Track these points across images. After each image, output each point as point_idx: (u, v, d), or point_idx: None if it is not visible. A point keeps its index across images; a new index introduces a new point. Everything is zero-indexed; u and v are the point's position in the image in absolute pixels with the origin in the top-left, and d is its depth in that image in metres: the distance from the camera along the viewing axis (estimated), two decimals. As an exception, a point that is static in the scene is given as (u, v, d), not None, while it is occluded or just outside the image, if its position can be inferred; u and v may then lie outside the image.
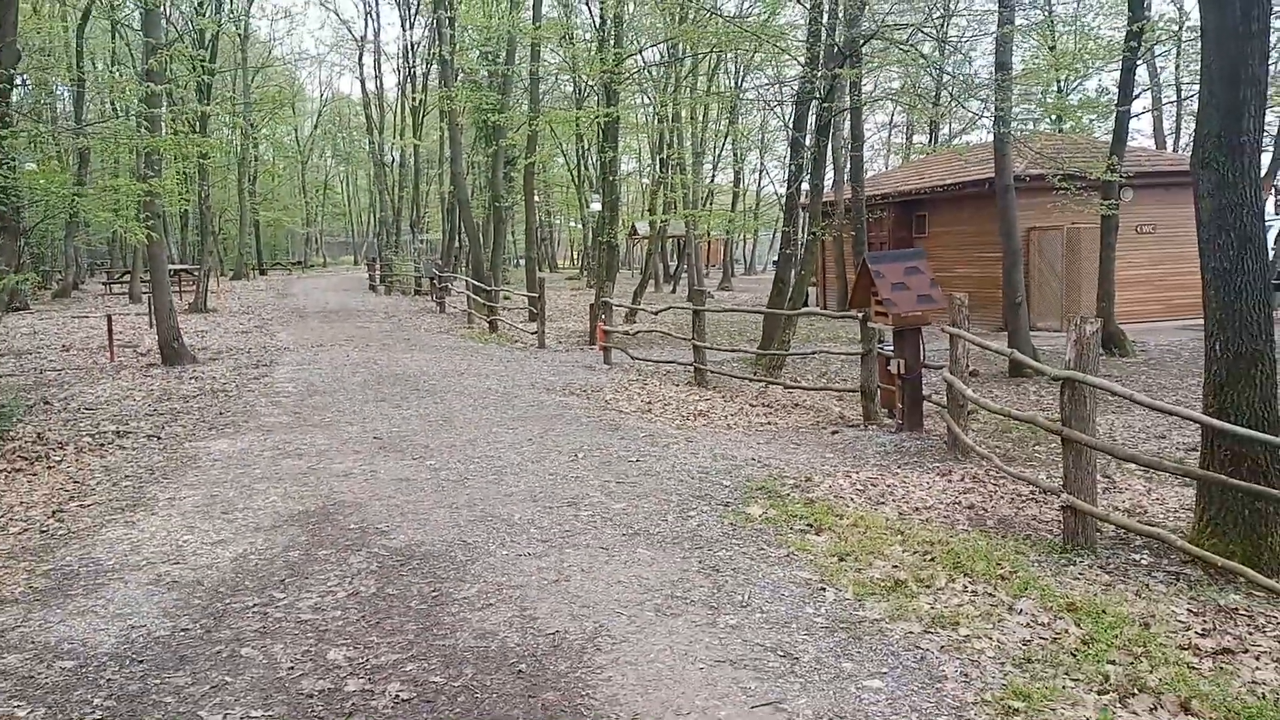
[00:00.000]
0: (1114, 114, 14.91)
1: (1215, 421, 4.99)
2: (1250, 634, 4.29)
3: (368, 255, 46.01)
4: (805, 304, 25.05)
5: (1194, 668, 3.86)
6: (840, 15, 13.51)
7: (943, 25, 23.85)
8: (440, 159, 35.55)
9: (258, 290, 32.52)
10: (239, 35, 35.36)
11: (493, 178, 25.39)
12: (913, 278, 8.95)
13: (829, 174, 26.21)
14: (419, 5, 32.93)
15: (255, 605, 4.60)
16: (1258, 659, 4.02)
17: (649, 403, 10.66)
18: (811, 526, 5.68)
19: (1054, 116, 20.47)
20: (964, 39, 21.85)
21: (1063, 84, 25.54)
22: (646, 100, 29.43)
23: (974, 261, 19.53)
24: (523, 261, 32.76)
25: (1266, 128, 23.31)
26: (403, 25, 33.89)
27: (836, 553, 5.18)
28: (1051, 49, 23.58)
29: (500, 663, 3.92)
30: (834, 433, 9.04)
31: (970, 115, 26.23)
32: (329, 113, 55.65)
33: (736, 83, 32.91)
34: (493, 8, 26.06)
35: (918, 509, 6.27)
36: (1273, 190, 23.20)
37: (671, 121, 28.02)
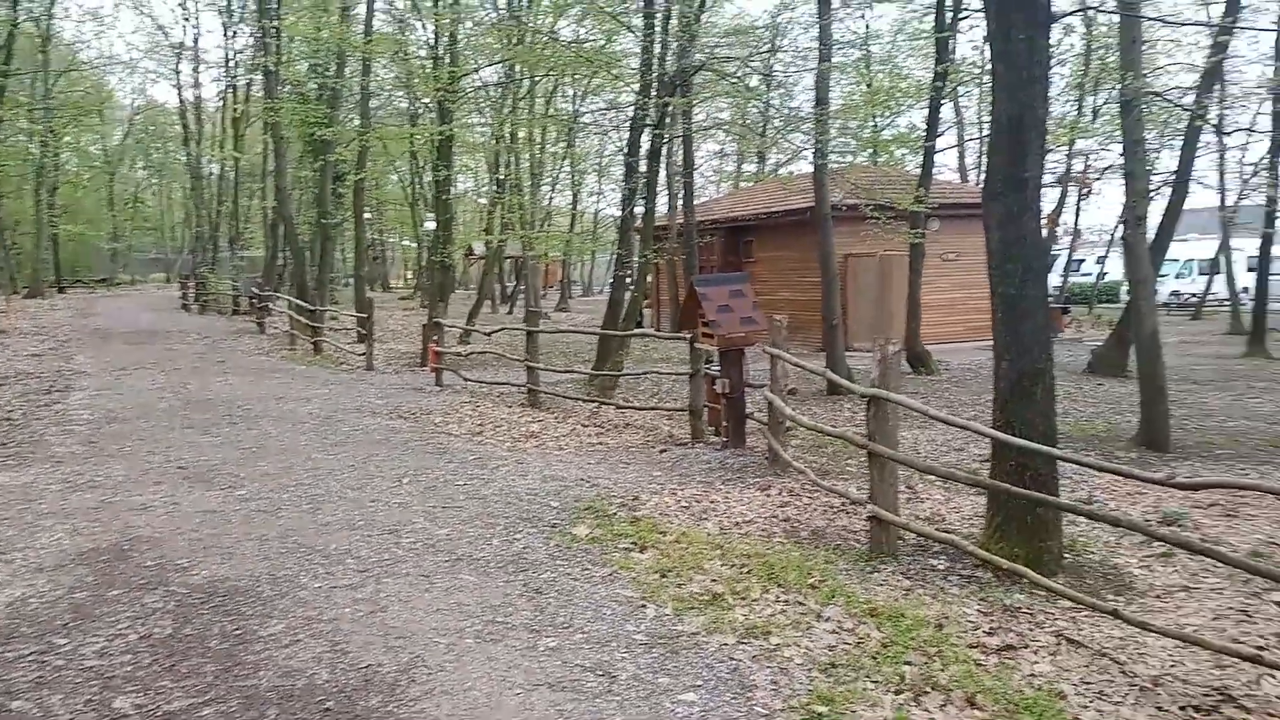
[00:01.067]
0: (922, 149, 15.99)
1: (999, 434, 5.41)
2: (1031, 630, 4.65)
3: (181, 272, 43.26)
4: (640, 325, 25.44)
5: (981, 664, 4.15)
6: (671, 46, 13.88)
7: (769, 60, 24.98)
8: (264, 173, 34.00)
9: (55, 310, 29.95)
10: (39, 36, 32.68)
11: (320, 193, 24.46)
12: (737, 300, 9.26)
13: (663, 198, 26.87)
14: (243, 13, 31.48)
15: (32, 654, 4.20)
16: (1036, 653, 4.36)
17: (480, 425, 10.52)
18: (636, 545, 5.74)
19: (870, 150, 21.79)
20: (788, 74, 22.91)
21: (878, 120, 27.24)
22: (484, 120, 29.23)
23: (796, 285, 20.42)
24: (353, 281, 31.68)
25: (1052, 167, 25.55)
26: (225, 33, 32.27)
27: (659, 569, 5.26)
28: (868, 87, 25.11)
29: (307, 701, 3.75)
30: (663, 451, 9.20)
31: (793, 147, 27.46)
32: (142, 121, 52.15)
33: (574, 106, 33.22)
34: (322, 19, 25.23)
35: (738, 523, 6.46)
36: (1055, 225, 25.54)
37: (509, 142, 27.93)
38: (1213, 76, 13.93)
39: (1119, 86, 9.17)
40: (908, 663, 4.07)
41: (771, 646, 4.25)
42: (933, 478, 7.80)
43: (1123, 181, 9.83)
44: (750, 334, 9.04)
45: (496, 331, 14.69)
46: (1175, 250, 35.60)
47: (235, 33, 31.55)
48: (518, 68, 22.95)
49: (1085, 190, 23.65)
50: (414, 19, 26.05)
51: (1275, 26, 16.49)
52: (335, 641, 4.30)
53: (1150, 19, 8.86)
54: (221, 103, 35.16)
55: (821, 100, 13.32)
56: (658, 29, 13.04)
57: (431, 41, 22.15)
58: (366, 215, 35.08)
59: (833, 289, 13.86)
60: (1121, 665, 4.24)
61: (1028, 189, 5.68)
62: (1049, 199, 26.46)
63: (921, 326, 16.04)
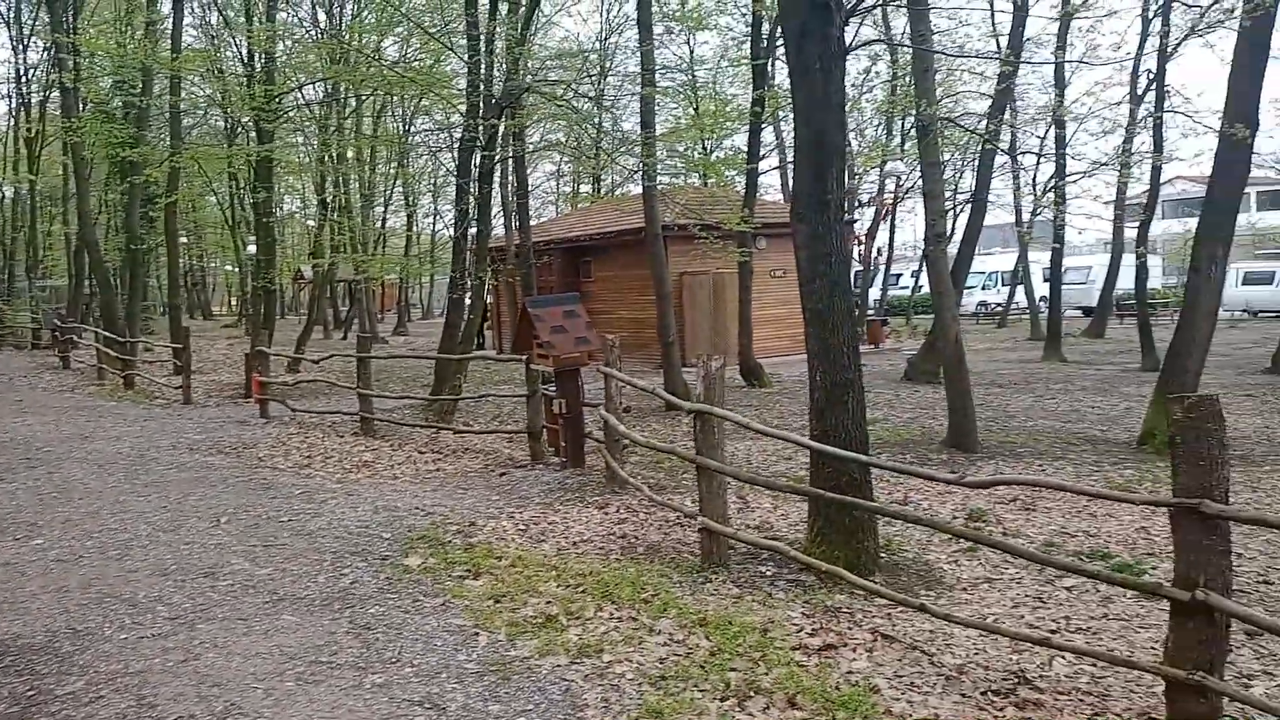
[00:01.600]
0: (745, 171, 16.61)
1: (814, 444, 5.67)
2: (850, 629, 4.89)
3: (-29, 305, 39.44)
4: (481, 347, 25.12)
5: (803, 665, 4.32)
6: (496, 69, 13.87)
7: (600, 84, 25.33)
8: (65, 195, 31.55)
9: None
10: None
11: (129, 217, 22.93)
12: (570, 321, 9.32)
13: (504, 219, 26.71)
14: (34, 26, 29.13)
15: None
16: (854, 651, 4.59)
17: (309, 457, 10.10)
18: (470, 571, 5.67)
19: (701, 171, 22.45)
20: (618, 98, 23.31)
21: (707, 143, 28.12)
22: (307, 139, 28.21)
23: (635, 304, 20.73)
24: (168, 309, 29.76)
25: (869, 187, 26.98)
26: (14, 47, 29.75)
27: (493, 595, 5.21)
28: (696, 111, 25.88)
29: (107, 763, 3.49)
30: (502, 475, 9.12)
31: (627, 169, 27.96)
32: (-82, 139, 47.28)
33: (405, 126, 32.57)
34: (125, 35, 23.71)
35: (576, 543, 6.49)
36: (859, 240, 27.06)
37: (337, 162, 27.08)
38: (1002, 103, 15.17)
39: (915, 113, 9.86)
40: (734, 669, 4.20)
41: (604, 664, 4.28)
42: (763, 487, 8.08)
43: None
44: (585, 354, 9.12)
45: (326, 358, 14.17)
46: (982, 263, 38.51)
47: (26, 45, 29.16)
48: (343, 87, 22.33)
49: (885, 211, 25.09)
50: (229, 35, 24.94)
51: (1053, 59, 18.15)
52: (142, 695, 4.03)
53: (936, 52, 9.57)
54: (13, 121, 32.39)
55: (647, 124, 13.65)
56: (482, 51, 13.01)
57: (246, 58, 21.23)
58: (182, 239, 33.11)
59: (667, 307, 14.17)
60: (931, 656, 4.52)
61: (830, 210, 6.00)
62: (867, 217, 28.07)
63: (754, 341, 16.62)
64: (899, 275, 36.70)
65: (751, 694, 3.95)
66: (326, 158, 25.84)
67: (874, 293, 31.61)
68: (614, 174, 35.30)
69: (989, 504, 7.45)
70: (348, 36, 20.04)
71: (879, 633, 4.81)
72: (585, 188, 41.64)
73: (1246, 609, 3.77)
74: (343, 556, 6.06)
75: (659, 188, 16.25)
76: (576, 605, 4.99)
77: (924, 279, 36.15)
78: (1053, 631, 4.85)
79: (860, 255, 27.61)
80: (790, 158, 33.39)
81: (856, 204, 25.13)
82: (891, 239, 30.23)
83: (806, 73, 6.04)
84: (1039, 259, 29.75)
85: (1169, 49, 18.58)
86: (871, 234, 27.73)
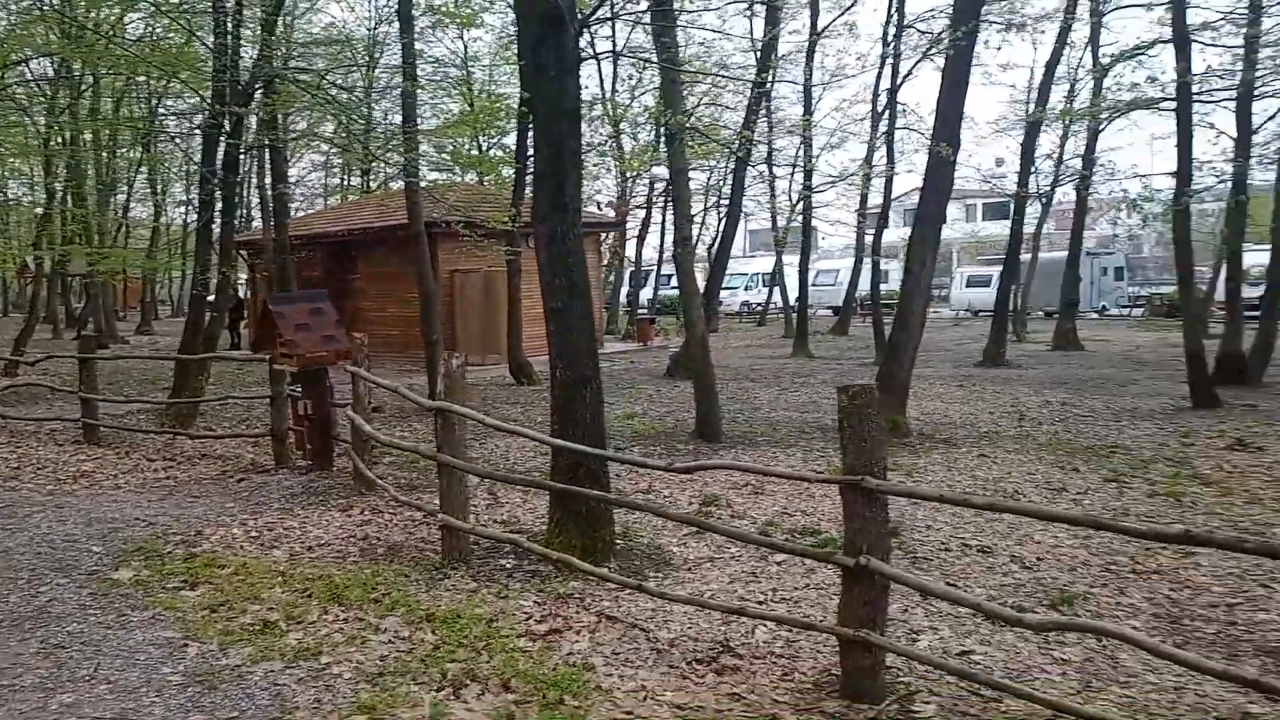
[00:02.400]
0: (515, 169, 16.68)
1: (546, 438, 5.85)
2: (578, 613, 5.09)
3: None
4: (236, 346, 23.64)
5: (525, 651, 4.47)
6: (244, 52, 13.13)
7: (370, 74, 24.55)
8: None
9: None
10: None
11: None
12: (317, 319, 9.01)
13: (259, 210, 25.21)
14: None
15: None
16: (578, 634, 4.79)
17: (17, 468, 9.16)
18: (187, 582, 5.39)
19: (477, 168, 22.28)
20: (386, 90, 22.71)
21: (481, 139, 27.93)
22: (33, 120, 25.37)
23: (403, 301, 20.26)
24: None
25: (641, 190, 27.60)
26: None
27: (209, 605, 4.99)
28: (471, 106, 25.65)
29: None
30: (240, 480, 8.69)
31: (390, 164, 27.26)
32: None
33: (151, 108, 30.01)
34: None
35: (312, 548, 6.32)
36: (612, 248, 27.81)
37: (70, 144, 24.54)
38: (754, 116, 16.16)
39: (664, 121, 10.34)
40: (454, 660, 4.27)
41: (321, 666, 4.23)
42: (511, 483, 8.19)
43: (706, 206, 11.07)
44: (333, 353, 8.85)
45: (42, 360, 12.87)
46: (746, 265, 40.72)
47: None
48: (78, 64, 20.30)
49: (619, 217, 25.88)
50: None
51: (801, 80, 19.55)
52: None
53: (673, 69, 10.06)
54: None
55: (409, 118, 13.40)
56: (229, 31, 12.27)
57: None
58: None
59: (431, 305, 13.97)
60: (648, 633, 4.80)
61: (568, 213, 6.21)
62: (638, 220, 28.91)
63: (525, 339, 16.72)
64: (670, 276, 38.12)
65: (468, 682, 4.04)
66: (55, 140, 23.38)
67: (645, 292, 32.64)
68: (385, 168, 34.31)
69: (723, 489, 7.95)
70: (85, 7, 18.22)
71: (604, 615, 5.04)
72: (355, 180, 40.15)
73: (899, 571, 4.29)
74: (41, 574, 5.58)
75: (425, 184, 16.02)
76: (300, 610, 4.88)
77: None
78: (760, 602, 5.28)
79: (629, 257, 28.43)
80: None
81: (598, 206, 25.78)
82: (662, 240, 31.33)
83: (542, 80, 6.21)
84: (796, 262, 31.89)
85: (900, 73, 20.49)
86: (641, 236, 28.61)
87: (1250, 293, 17.00)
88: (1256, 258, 19.77)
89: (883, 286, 21.22)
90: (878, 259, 20.06)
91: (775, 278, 30.95)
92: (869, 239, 22.57)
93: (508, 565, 5.97)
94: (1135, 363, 17.93)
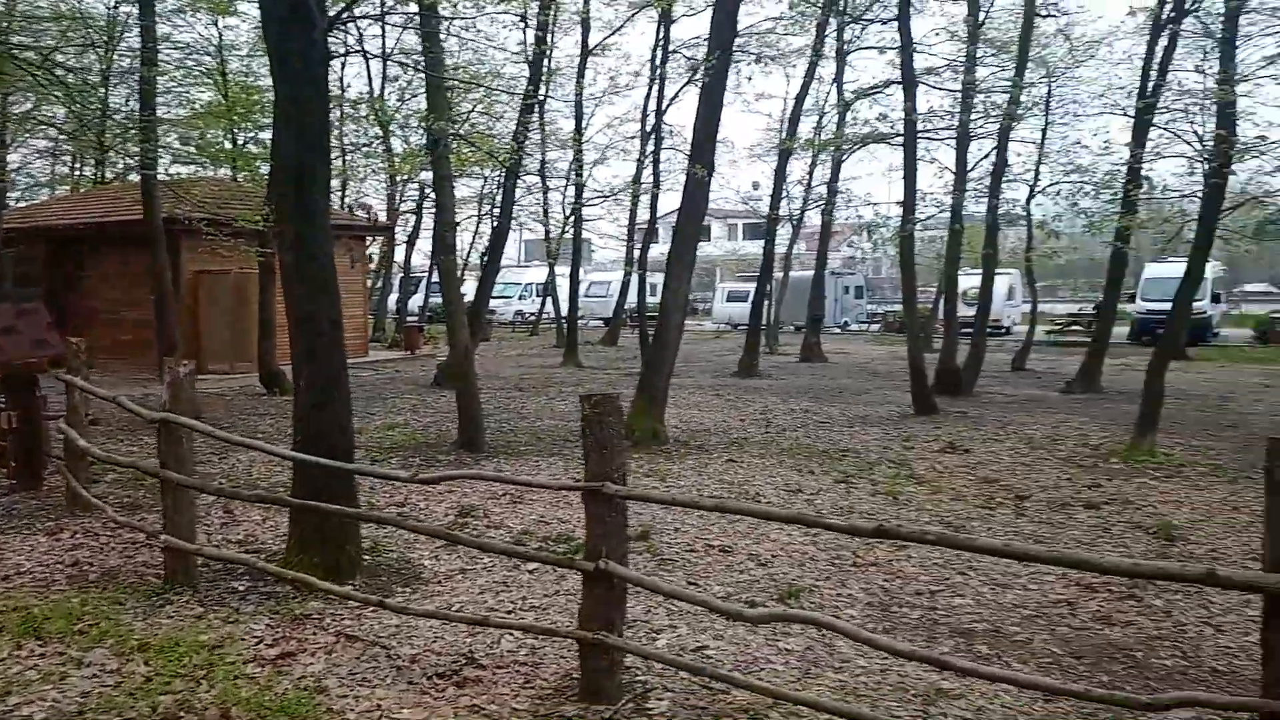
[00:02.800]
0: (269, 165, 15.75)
1: (285, 452, 5.57)
2: (314, 635, 4.86)
3: None
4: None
5: (251, 678, 4.21)
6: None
7: (105, 56, 22.33)
8: None
9: None
10: None
11: None
12: (26, 320, 8.08)
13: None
14: None
15: None
16: (313, 655, 4.58)
17: None
18: None
19: (232, 163, 20.80)
20: (122, 75, 20.75)
21: (237, 133, 26.17)
22: None
23: (141, 303, 18.59)
24: None
25: (411, 195, 26.77)
26: None
27: None
28: (225, 98, 23.96)
29: None
30: (-74, 504, 7.61)
31: (133, 153, 25.02)
32: None
33: None
34: None
35: (9, 577, 5.64)
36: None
37: None
38: (525, 128, 16.19)
39: (427, 126, 10.16)
40: (169, 692, 3.96)
41: (8, 709, 3.78)
42: (247, 500, 7.71)
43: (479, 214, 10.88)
44: (45, 359, 7.96)
45: None
46: (521, 274, 40.72)
47: None
48: None
49: (371, 221, 25.13)
50: None
51: (522, 91, 19.85)
52: None
53: (436, 75, 9.94)
54: None
55: (147, 106, 12.37)
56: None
57: None
58: None
59: (166, 308, 12.93)
60: (389, 650, 4.67)
61: (316, 215, 5.96)
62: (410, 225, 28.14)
63: (278, 346, 15.79)
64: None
65: (181, 714, 3.75)
66: None
67: (416, 299, 31.86)
68: (126, 158, 31.33)
69: (482, 500, 7.89)
70: None
71: (343, 634, 4.85)
72: (90, 170, 36.41)
73: (636, 574, 4.44)
74: None
75: (167, 177, 14.80)
76: None
77: (466, 288, 37.49)
78: (509, 612, 5.28)
79: (399, 263, 27.62)
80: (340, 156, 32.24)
81: (365, 210, 24.98)
82: (435, 247, 30.71)
83: (288, 77, 5.93)
84: (564, 271, 32.28)
85: (667, 96, 21.31)
86: (411, 241, 27.91)
87: (965, 312, 19.06)
88: (971, 280, 22.19)
89: (651, 299, 21.95)
90: (644, 273, 20.69)
91: (548, 288, 31.18)
92: (640, 253, 23.26)
93: (240, 588, 5.61)
94: (870, 374, 19.59)
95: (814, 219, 24.52)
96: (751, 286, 31.04)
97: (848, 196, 20.31)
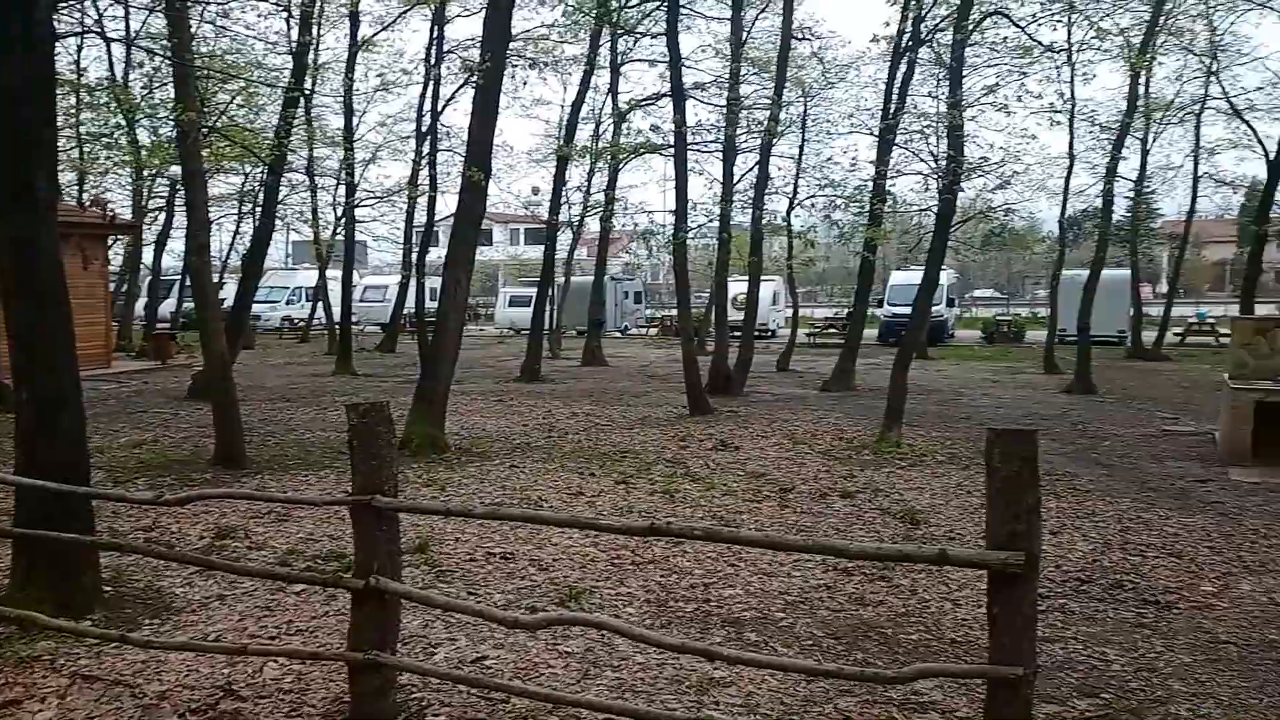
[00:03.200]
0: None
1: (9, 477, 4.96)
2: (45, 678, 4.36)
3: None
4: None
5: (-37, 734, 3.71)
6: None
7: None
8: None
9: None
10: None
11: None
12: None
13: None
14: None
15: None
16: (42, 701, 4.10)
17: None
18: None
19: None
20: None
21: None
22: None
23: None
24: None
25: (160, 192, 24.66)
26: None
27: None
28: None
29: None
30: None
31: None
32: None
33: None
34: None
35: None
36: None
37: None
38: (288, 124, 15.33)
39: (175, 118, 9.39)
40: None
41: None
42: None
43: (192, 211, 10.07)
44: None
45: None
46: (289, 278, 38.55)
47: None
48: None
49: (108, 219, 23.22)
50: None
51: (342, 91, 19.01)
52: None
53: (184, 62, 9.21)
54: None
55: None
56: None
57: None
58: None
59: None
60: (134, 689, 4.26)
61: (38, 208, 5.33)
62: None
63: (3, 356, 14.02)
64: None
65: None
66: None
67: (169, 305, 29.41)
68: None
69: (244, 519, 7.37)
70: None
71: (80, 675, 4.38)
72: None
73: (410, 589, 4.31)
74: None
75: None
76: None
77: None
78: (273, 637, 4.97)
79: (147, 265, 25.36)
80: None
81: (83, 204, 22.81)
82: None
83: (9, 54, 5.27)
84: (337, 275, 30.90)
85: (443, 97, 20.88)
86: (161, 241, 25.70)
87: (735, 316, 20.02)
88: (739, 287, 23.36)
89: (430, 304, 21.39)
90: (423, 277, 20.19)
91: (319, 292, 29.72)
92: (418, 256, 22.62)
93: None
94: (648, 376, 20.13)
95: (593, 225, 24.88)
96: (534, 291, 31.16)
97: (625, 204, 20.79)
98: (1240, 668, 4.63)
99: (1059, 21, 19.13)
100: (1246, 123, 23.71)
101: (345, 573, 5.34)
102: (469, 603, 5.02)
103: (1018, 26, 15.71)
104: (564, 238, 25.91)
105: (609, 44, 20.18)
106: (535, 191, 29.27)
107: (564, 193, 21.46)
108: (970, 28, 12.93)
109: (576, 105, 20.24)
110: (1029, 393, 17.04)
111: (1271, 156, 21.43)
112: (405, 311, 27.85)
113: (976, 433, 11.86)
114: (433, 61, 20.15)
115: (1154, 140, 24.59)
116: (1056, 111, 21.13)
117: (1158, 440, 11.58)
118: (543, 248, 21.53)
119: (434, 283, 26.37)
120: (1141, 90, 19.50)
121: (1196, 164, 25.78)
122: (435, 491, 8.53)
